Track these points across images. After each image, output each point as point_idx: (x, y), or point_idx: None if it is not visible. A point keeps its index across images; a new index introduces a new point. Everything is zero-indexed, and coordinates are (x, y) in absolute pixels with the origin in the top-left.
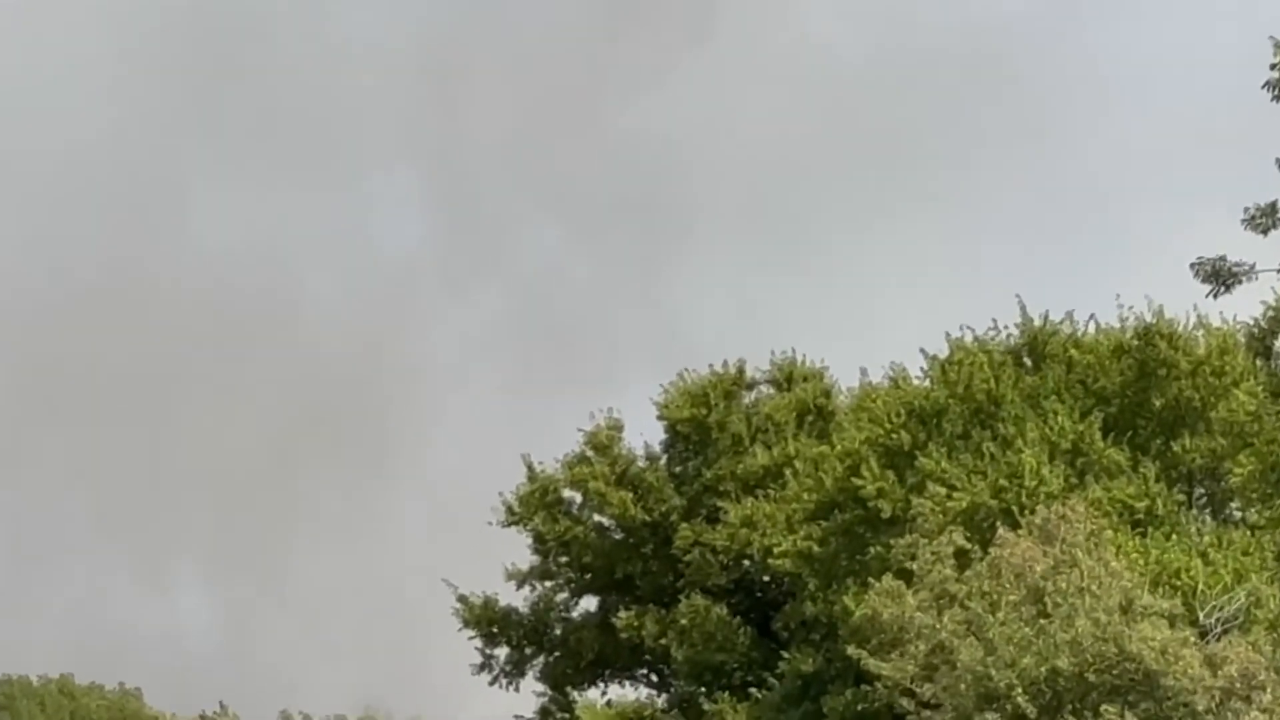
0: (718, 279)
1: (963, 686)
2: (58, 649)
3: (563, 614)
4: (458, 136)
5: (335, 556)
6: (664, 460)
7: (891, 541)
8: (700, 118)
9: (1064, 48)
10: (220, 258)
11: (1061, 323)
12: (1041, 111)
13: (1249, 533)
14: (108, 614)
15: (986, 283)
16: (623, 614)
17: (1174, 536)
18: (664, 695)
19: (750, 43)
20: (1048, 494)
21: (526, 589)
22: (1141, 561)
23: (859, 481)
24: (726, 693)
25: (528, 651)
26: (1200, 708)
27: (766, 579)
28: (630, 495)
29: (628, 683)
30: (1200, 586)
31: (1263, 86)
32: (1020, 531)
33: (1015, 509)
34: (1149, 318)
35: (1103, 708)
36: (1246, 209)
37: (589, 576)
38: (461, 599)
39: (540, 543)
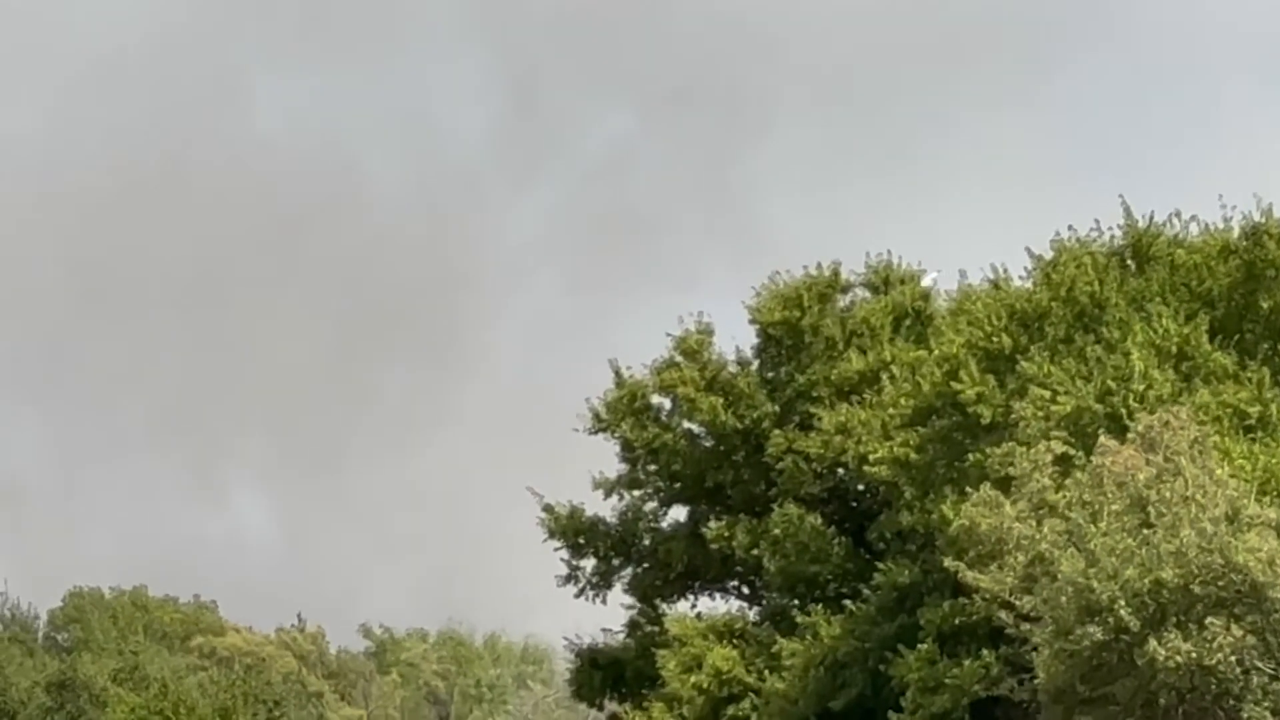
0: (795, 172)
1: (1063, 599)
2: (117, 558)
3: (651, 524)
4: (522, 19)
5: (398, 457)
6: (755, 365)
7: (990, 449)
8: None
9: None
10: (280, 147)
11: (1165, 224)
12: (1137, 6)
13: None
14: (166, 521)
15: (1086, 183)
16: (713, 524)
17: None
18: (755, 608)
19: None
20: (1156, 398)
21: (614, 498)
22: (1249, 469)
23: (958, 386)
24: (820, 605)
25: (615, 563)
26: None
27: (861, 488)
28: (721, 401)
29: (718, 595)
30: None
31: None
32: (1124, 439)
33: (1123, 413)
34: (1257, 216)
35: (1207, 620)
36: None
37: (678, 485)
38: (547, 508)
39: (628, 450)
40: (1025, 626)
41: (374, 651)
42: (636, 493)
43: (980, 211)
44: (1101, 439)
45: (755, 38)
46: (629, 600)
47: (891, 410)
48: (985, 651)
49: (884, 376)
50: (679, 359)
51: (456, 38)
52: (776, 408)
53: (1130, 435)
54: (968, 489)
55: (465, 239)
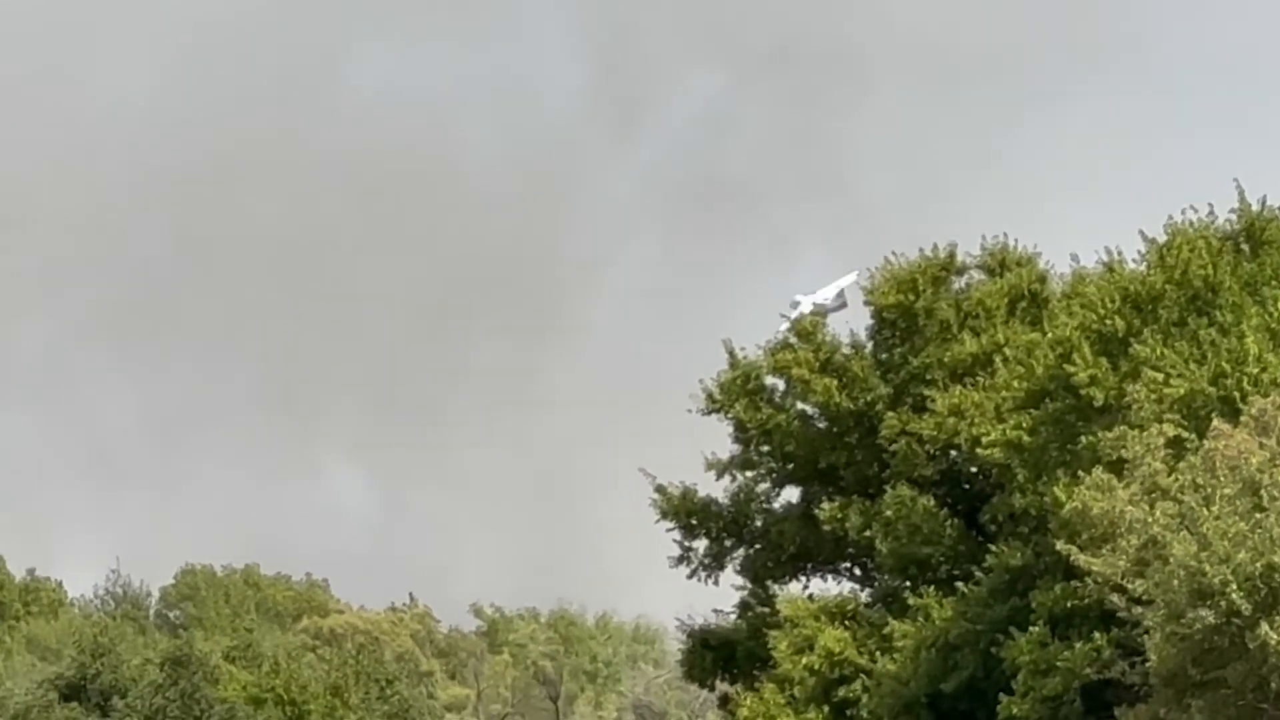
0: (892, 137)
1: (1175, 582)
2: (215, 531)
3: (764, 505)
4: None
5: (494, 428)
6: (870, 347)
7: (1103, 432)
8: None
9: None
10: (374, 112)
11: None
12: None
13: None
14: (264, 494)
15: (1197, 169)
16: (826, 505)
17: None
18: (867, 589)
19: None
20: (1270, 381)
21: (726, 479)
22: None
23: (1071, 369)
24: (932, 587)
25: (727, 544)
26: None
27: (974, 469)
28: (835, 383)
29: (830, 576)
30: None
31: None
32: (1237, 422)
33: (1236, 396)
34: None
35: None
36: None
37: (791, 466)
38: (660, 489)
39: (741, 431)
40: (1137, 610)
41: (484, 631)
42: (749, 474)
43: (1084, 190)
44: (1214, 422)
45: None
46: (740, 581)
47: (1004, 393)
48: (1096, 634)
49: (997, 359)
50: (793, 340)
51: None
52: (890, 390)
53: (1243, 419)
54: (1080, 472)
55: (560, 205)
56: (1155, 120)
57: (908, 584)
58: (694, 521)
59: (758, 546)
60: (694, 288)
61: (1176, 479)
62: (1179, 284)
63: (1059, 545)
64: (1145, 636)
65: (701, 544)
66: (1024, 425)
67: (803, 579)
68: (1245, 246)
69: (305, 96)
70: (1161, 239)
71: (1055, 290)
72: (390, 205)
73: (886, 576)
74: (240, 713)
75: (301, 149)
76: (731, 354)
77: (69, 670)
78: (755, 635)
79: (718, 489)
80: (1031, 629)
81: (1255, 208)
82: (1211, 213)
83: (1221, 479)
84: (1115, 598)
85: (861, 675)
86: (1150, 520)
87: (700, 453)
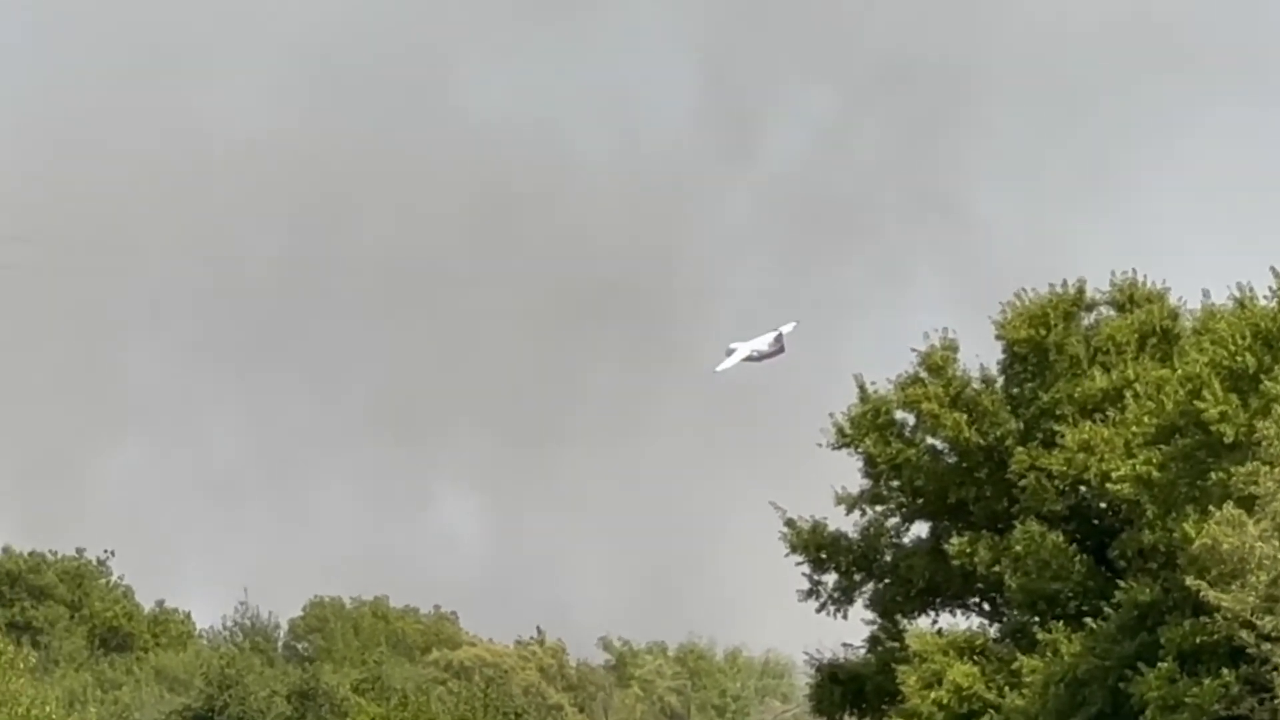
0: (1006, 154)
1: None
2: (337, 562)
3: (893, 539)
4: None
5: (609, 451)
6: (1000, 382)
7: (1233, 468)
8: None
9: None
10: (486, 133)
11: None
12: None
13: None
14: (378, 520)
15: None
16: (955, 540)
17: None
18: (996, 624)
19: None
20: None
21: (855, 513)
22: None
23: (1201, 405)
24: (1060, 622)
25: (857, 578)
26: None
27: (1103, 505)
28: (965, 417)
29: (959, 611)
30: None
31: None
32: None
33: None
34: None
35: None
36: None
37: (921, 501)
38: (789, 523)
39: (871, 465)
40: (1266, 646)
41: (612, 665)
42: (879, 508)
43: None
44: None
45: (968, 8)
46: (869, 615)
47: (1134, 428)
48: (1226, 671)
49: (1127, 394)
50: (923, 374)
51: (654, 13)
52: (1020, 425)
53: None
54: (1210, 507)
55: (673, 225)
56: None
57: (1036, 619)
58: (824, 555)
59: (887, 581)
60: (805, 309)
61: None
62: None
63: (1188, 581)
64: (1275, 673)
65: (831, 578)
66: (1154, 461)
67: (932, 614)
68: None
69: (417, 119)
70: None
71: (1186, 327)
72: (503, 227)
73: (1015, 611)
74: None
75: (414, 171)
76: (862, 388)
77: (196, 702)
78: (884, 670)
79: (846, 523)
80: (1160, 665)
81: None
82: None
83: None
84: (1245, 634)
85: (990, 710)
86: None
87: (824, 482)
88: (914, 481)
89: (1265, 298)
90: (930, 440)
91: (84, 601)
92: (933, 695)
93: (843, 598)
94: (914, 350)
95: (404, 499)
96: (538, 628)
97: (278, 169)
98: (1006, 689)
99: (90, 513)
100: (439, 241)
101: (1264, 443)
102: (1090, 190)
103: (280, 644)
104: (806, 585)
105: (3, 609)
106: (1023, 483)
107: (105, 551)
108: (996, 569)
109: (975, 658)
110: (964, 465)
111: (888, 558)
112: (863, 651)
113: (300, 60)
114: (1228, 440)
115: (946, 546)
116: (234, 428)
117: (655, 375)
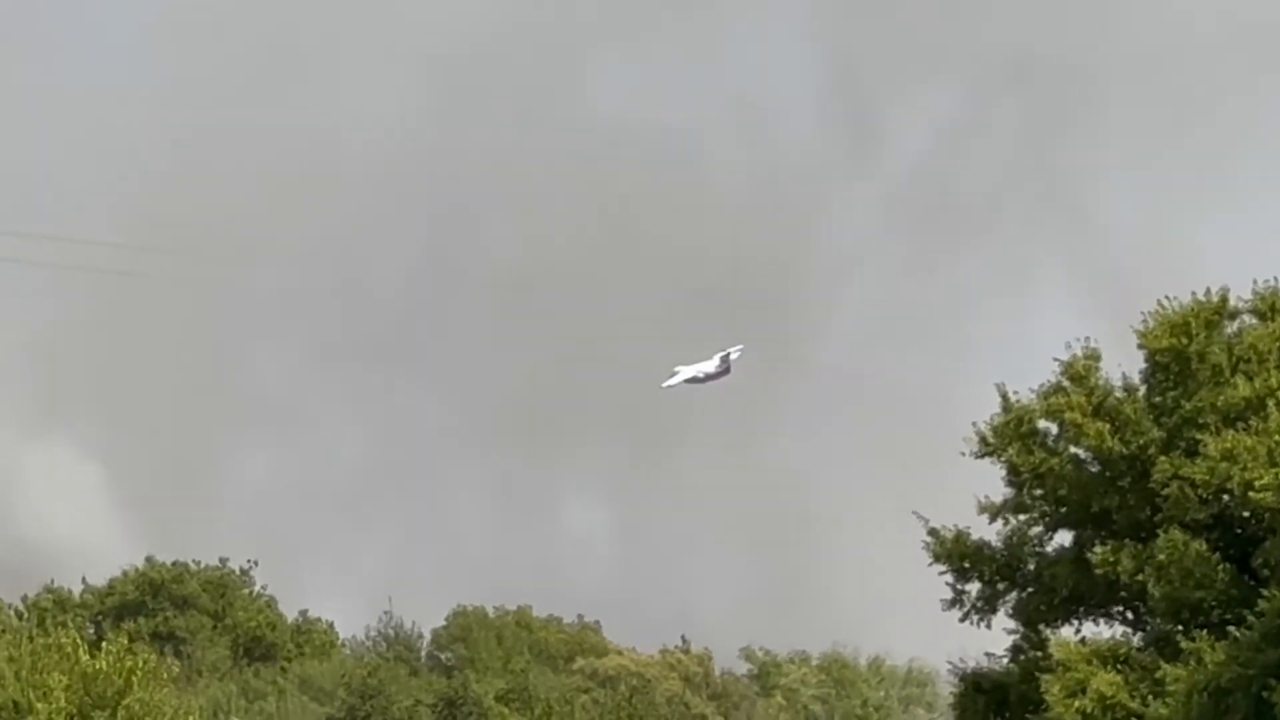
0: (1129, 154)
1: None
2: (469, 569)
3: (1037, 548)
4: None
5: (735, 458)
6: (1142, 390)
7: None
8: None
9: None
10: (615, 136)
11: None
12: None
13: None
14: (511, 527)
15: None
16: (1098, 549)
17: None
18: (1139, 633)
19: None
20: None
21: (998, 522)
22: None
23: None
24: (1204, 631)
25: (1000, 587)
26: None
27: (1246, 514)
28: (1107, 427)
29: (1102, 620)
30: None
31: None
32: None
33: None
34: None
35: None
36: None
37: (1064, 510)
38: (933, 532)
39: (1014, 474)
40: None
41: (755, 674)
42: (1022, 517)
43: None
44: None
45: (1091, 6)
46: (1012, 624)
47: (1277, 437)
48: None
49: (1270, 403)
50: (1066, 383)
51: (776, 14)
52: (1163, 433)
53: None
54: None
55: (798, 226)
56: None
57: (1180, 628)
58: (967, 565)
59: (1030, 590)
60: (929, 310)
61: None
62: None
63: None
64: None
65: (974, 587)
66: None
67: (1075, 622)
68: None
69: (549, 122)
70: None
71: None
72: (630, 230)
73: (1159, 620)
74: None
75: (544, 174)
76: (1004, 397)
77: (340, 711)
78: (1028, 679)
79: (990, 532)
80: None
81: None
82: None
83: None
84: None
85: (1134, 719)
86: None
87: (943, 483)
88: (1057, 490)
89: None
90: (1073, 449)
91: (227, 611)
92: (1077, 704)
93: (986, 607)
94: (1056, 360)
95: (534, 507)
96: (682, 636)
97: (409, 173)
98: (1150, 697)
99: (224, 521)
100: (568, 245)
101: None
102: (1212, 192)
103: (424, 654)
104: (949, 594)
105: (146, 619)
106: (1165, 491)
107: (249, 561)
108: (1140, 578)
109: (1119, 666)
110: (1107, 474)
111: (1031, 567)
112: (1006, 660)
113: (433, 66)
114: None
115: (1090, 555)
116: (363, 436)
117: (780, 379)
